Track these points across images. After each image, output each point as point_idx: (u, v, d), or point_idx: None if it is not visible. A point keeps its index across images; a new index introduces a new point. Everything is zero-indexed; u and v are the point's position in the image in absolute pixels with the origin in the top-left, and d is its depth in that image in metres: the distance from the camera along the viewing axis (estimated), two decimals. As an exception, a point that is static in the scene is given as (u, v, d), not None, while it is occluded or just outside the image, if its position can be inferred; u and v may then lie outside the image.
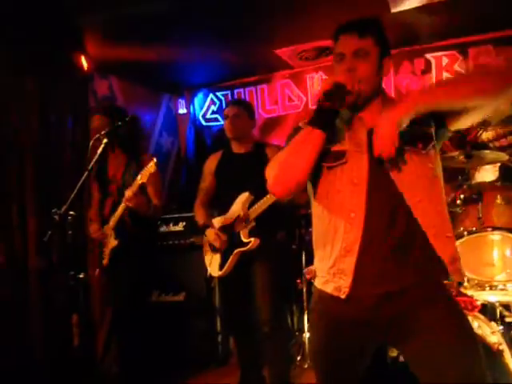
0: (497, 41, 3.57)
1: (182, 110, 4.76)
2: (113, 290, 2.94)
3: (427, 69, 3.81)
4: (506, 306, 2.31)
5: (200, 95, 4.68)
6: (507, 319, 2.25)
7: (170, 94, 4.70)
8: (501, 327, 2.15)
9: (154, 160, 2.51)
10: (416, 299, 1.35)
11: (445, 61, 3.74)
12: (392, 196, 1.36)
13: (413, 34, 3.52)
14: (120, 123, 2.52)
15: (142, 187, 2.65)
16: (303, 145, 1.39)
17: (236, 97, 4.46)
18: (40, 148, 3.20)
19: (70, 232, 2.26)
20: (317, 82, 4.21)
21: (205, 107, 4.67)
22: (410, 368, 1.37)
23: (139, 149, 3.04)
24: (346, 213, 1.38)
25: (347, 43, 1.43)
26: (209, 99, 4.64)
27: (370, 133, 1.38)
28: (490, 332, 2.03)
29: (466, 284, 2.48)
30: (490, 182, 2.83)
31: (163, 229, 3.68)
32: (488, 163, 2.70)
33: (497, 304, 2.28)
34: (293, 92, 4.31)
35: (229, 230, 2.67)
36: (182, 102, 4.76)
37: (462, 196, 2.63)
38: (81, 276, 2.34)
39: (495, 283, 2.40)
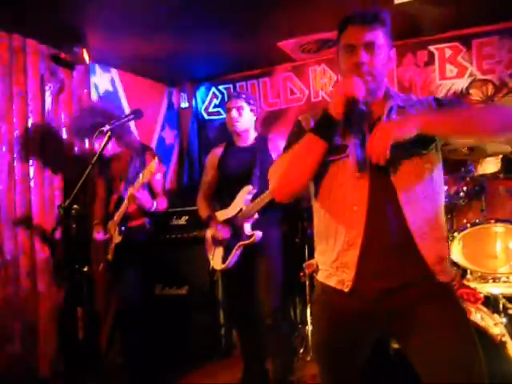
0: (500, 32, 3.54)
1: (184, 104, 4.75)
2: (117, 284, 2.95)
3: (430, 61, 3.78)
4: (508, 298, 2.31)
5: (202, 89, 4.66)
6: (510, 311, 2.25)
7: (172, 88, 4.69)
8: (504, 319, 2.15)
9: (156, 160, 2.53)
10: (416, 296, 1.36)
11: (448, 52, 3.72)
12: (392, 191, 1.37)
13: (416, 26, 3.50)
14: (124, 116, 2.52)
15: (145, 184, 2.68)
16: (306, 155, 1.39)
17: (238, 90, 4.45)
18: (43, 141, 3.20)
19: (74, 226, 2.27)
20: (319, 75, 4.19)
21: (207, 101, 4.66)
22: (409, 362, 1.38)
23: (141, 144, 3.04)
24: (349, 206, 1.38)
25: (357, 35, 1.40)
26: (211, 93, 4.63)
27: (373, 126, 1.37)
28: (492, 324, 2.04)
29: (469, 276, 2.49)
30: (492, 174, 2.82)
31: (166, 222, 3.68)
32: (490, 155, 2.69)
33: (500, 296, 2.28)
34: (295, 85, 4.29)
35: (231, 223, 2.67)
36: (184, 95, 4.74)
37: (464, 188, 2.63)
38: (85, 269, 2.34)
39: (498, 275, 2.40)
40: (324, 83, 4.16)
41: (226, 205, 2.74)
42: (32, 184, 3.10)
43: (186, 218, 3.65)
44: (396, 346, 1.85)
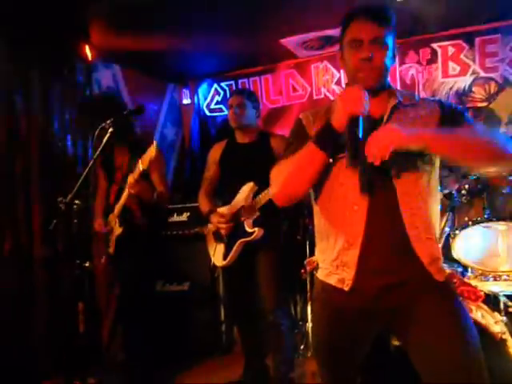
0: (503, 30, 3.54)
1: (187, 101, 4.75)
2: (118, 277, 2.95)
3: (433, 58, 3.78)
4: (509, 297, 2.30)
5: (204, 85, 4.66)
6: (511, 309, 2.25)
7: (175, 84, 4.69)
8: (504, 317, 2.15)
9: (154, 144, 2.44)
10: (416, 292, 1.36)
11: (451, 50, 3.71)
12: (392, 192, 1.37)
13: (419, 24, 3.49)
14: (126, 112, 2.51)
15: (146, 174, 2.63)
16: (308, 165, 1.38)
17: (240, 87, 4.44)
18: (45, 136, 3.21)
19: (75, 221, 2.28)
20: (321, 72, 4.19)
21: (209, 97, 4.66)
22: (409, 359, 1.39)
23: (143, 139, 3.03)
24: (350, 205, 1.38)
25: (364, 30, 1.38)
26: (213, 89, 4.63)
27: (374, 123, 1.37)
28: (493, 322, 2.04)
29: (470, 274, 2.49)
30: (495, 172, 2.81)
31: (168, 219, 3.69)
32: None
33: (501, 294, 2.28)
34: (297, 82, 4.29)
35: (233, 219, 2.67)
36: (186, 92, 4.75)
37: (466, 186, 2.62)
38: (86, 264, 2.35)
39: (499, 273, 2.40)
40: (326, 80, 4.16)
41: (227, 201, 2.74)
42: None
43: (188, 214, 3.66)
44: (396, 343, 1.86)
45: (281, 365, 2.70)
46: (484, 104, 3.62)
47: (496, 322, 2.04)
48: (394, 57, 1.44)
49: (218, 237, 2.75)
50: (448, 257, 2.45)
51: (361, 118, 1.29)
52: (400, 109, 1.44)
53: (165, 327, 3.34)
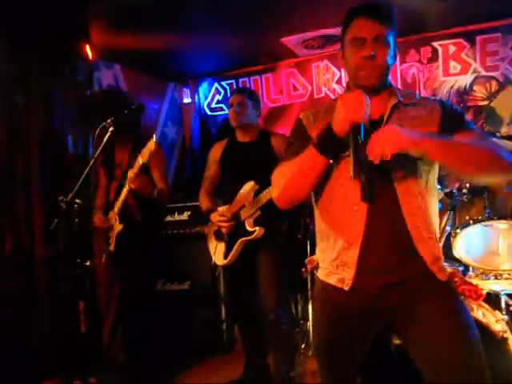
0: (504, 29, 3.53)
1: (187, 100, 4.75)
2: (119, 276, 2.95)
3: (434, 57, 3.77)
4: (510, 295, 2.30)
5: (205, 84, 4.66)
6: (512, 308, 2.25)
7: (175, 83, 4.69)
8: (505, 316, 2.15)
9: (154, 138, 2.43)
10: (416, 290, 1.36)
11: (452, 49, 3.70)
12: (392, 191, 1.37)
13: (420, 22, 3.48)
14: (126, 111, 2.51)
15: (146, 168, 2.61)
16: (309, 170, 1.38)
17: (241, 86, 4.44)
18: (46, 136, 3.21)
19: (76, 220, 2.27)
20: (322, 71, 4.18)
21: (210, 96, 4.66)
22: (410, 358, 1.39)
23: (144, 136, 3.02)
24: (350, 206, 1.39)
25: (367, 28, 1.37)
26: (214, 88, 4.63)
27: (374, 124, 1.36)
28: (494, 320, 2.04)
29: (471, 273, 2.49)
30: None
31: (168, 218, 3.69)
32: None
33: (502, 293, 2.27)
34: (298, 81, 4.28)
35: (234, 218, 2.67)
36: (186, 91, 4.74)
37: (467, 185, 2.62)
38: (87, 264, 2.35)
39: (500, 272, 2.40)
40: (327, 79, 4.16)
41: (228, 200, 2.74)
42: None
43: (188, 213, 3.66)
44: (397, 342, 1.86)
45: (281, 364, 2.71)
46: (485, 103, 3.61)
47: (497, 321, 2.04)
48: (395, 55, 1.44)
49: (218, 236, 2.75)
50: (449, 256, 2.45)
51: (363, 125, 1.28)
52: (400, 108, 1.43)
53: (166, 326, 3.34)
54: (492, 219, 2.48)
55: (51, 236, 3.06)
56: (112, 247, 2.82)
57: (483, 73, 3.62)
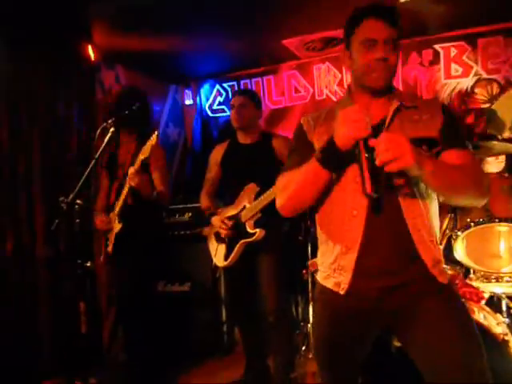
0: (506, 32, 3.53)
1: (189, 101, 4.76)
2: (117, 277, 2.92)
3: (435, 60, 3.77)
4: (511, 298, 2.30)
5: (206, 86, 4.67)
6: (513, 311, 2.24)
7: (177, 85, 4.70)
8: (506, 319, 2.15)
9: (156, 132, 2.39)
10: (417, 293, 1.36)
11: (453, 52, 3.71)
12: (393, 195, 1.37)
13: (421, 25, 3.49)
14: (133, 107, 2.49)
15: (146, 166, 2.58)
16: (313, 183, 1.39)
17: (242, 87, 4.45)
18: (47, 136, 3.22)
19: (77, 220, 2.27)
20: (324, 73, 4.19)
21: (211, 98, 4.66)
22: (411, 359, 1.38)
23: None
24: (349, 210, 1.39)
25: (379, 29, 1.35)
26: (215, 90, 4.63)
27: (375, 129, 1.34)
28: (495, 323, 2.03)
29: (472, 275, 2.48)
30: (497, 173, 2.81)
31: (169, 219, 3.69)
32: (496, 154, 2.69)
33: (503, 296, 2.27)
34: (299, 83, 4.29)
35: (235, 220, 2.67)
36: (188, 92, 4.75)
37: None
38: (88, 264, 2.35)
39: (501, 275, 2.39)
40: (328, 81, 4.16)
41: (229, 202, 2.74)
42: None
43: (190, 214, 3.66)
44: (398, 344, 1.85)
45: (282, 365, 2.70)
46: (486, 105, 3.61)
47: (498, 324, 2.03)
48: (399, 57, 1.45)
49: (219, 237, 2.75)
50: (450, 258, 2.44)
51: (366, 140, 1.26)
52: (402, 111, 1.43)
53: (166, 327, 3.33)
54: (493, 222, 2.47)
55: (52, 236, 3.07)
56: (110, 248, 2.79)
57: (485, 75, 3.63)
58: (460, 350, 1.30)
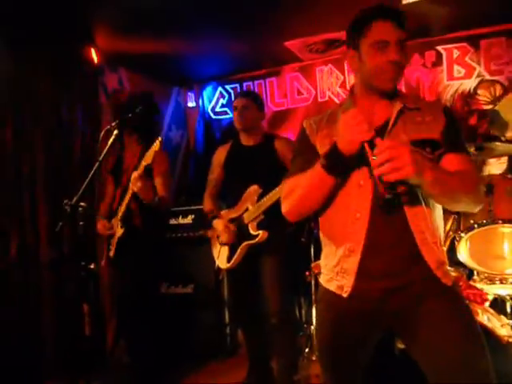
0: (509, 33, 3.53)
1: (191, 103, 4.77)
2: (119, 280, 2.92)
3: (438, 61, 3.77)
4: (516, 300, 2.29)
5: (209, 88, 4.68)
6: (517, 313, 2.23)
7: (180, 87, 4.71)
8: (511, 321, 2.14)
9: (159, 138, 2.39)
10: (420, 294, 1.36)
11: (456, 53, 3.71)
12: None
13: (424, 26, 3.49)
14: (136, 110, 2.50)
15: (149, 173, 2.59)
16: (318, 189, 1.40)
17: (245, 90, 4.45)
18: (51, 138, 3.23)
19: (80, 223, 2.28)
20: (326, 75, 4.19)
21: (214, 100, 4.67)
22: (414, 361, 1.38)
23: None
24: (352, 213, 1.39)
25: (391, 31, 1.34)
26: (218, 92, 4.64)
27: (379, 131, 1.35)
28: (499, 325, 2.03)
29: (475, 277, 2.47)
30: (501, 174, 2.81)
31: (172, 221, 3.70)
32: (499, 155, 2.68)
33: (507, 297, 2.26)
34: (302, 85, 4.29)
35: (237, 222, 2.67)
36: (191, 95, 4.76)
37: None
38: (91, 266, 2.35)
39: (505, 276, 2.38)
40: (331, 83, 4.17)
41: (232, 204, 2.74)
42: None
43: (192, 216, 3.67)
44: (401, 345, 1.85)
45: (285, 367, 2.70)
46: (489, 107, 3.61)
47: (502, 326, 2.03)
48: None
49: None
50: (454, 260, 2.44)
51: (372, 142, 1.26)
52: (406, 113, 1.43)
53: (169, 329, 3.34)
54: (496, 223, 2.47)
55: (56, 238, 3.07)
56: (112, 253, 2.79)
57: (487, 77, 3.62)
58: (463, 351, 1.30)
